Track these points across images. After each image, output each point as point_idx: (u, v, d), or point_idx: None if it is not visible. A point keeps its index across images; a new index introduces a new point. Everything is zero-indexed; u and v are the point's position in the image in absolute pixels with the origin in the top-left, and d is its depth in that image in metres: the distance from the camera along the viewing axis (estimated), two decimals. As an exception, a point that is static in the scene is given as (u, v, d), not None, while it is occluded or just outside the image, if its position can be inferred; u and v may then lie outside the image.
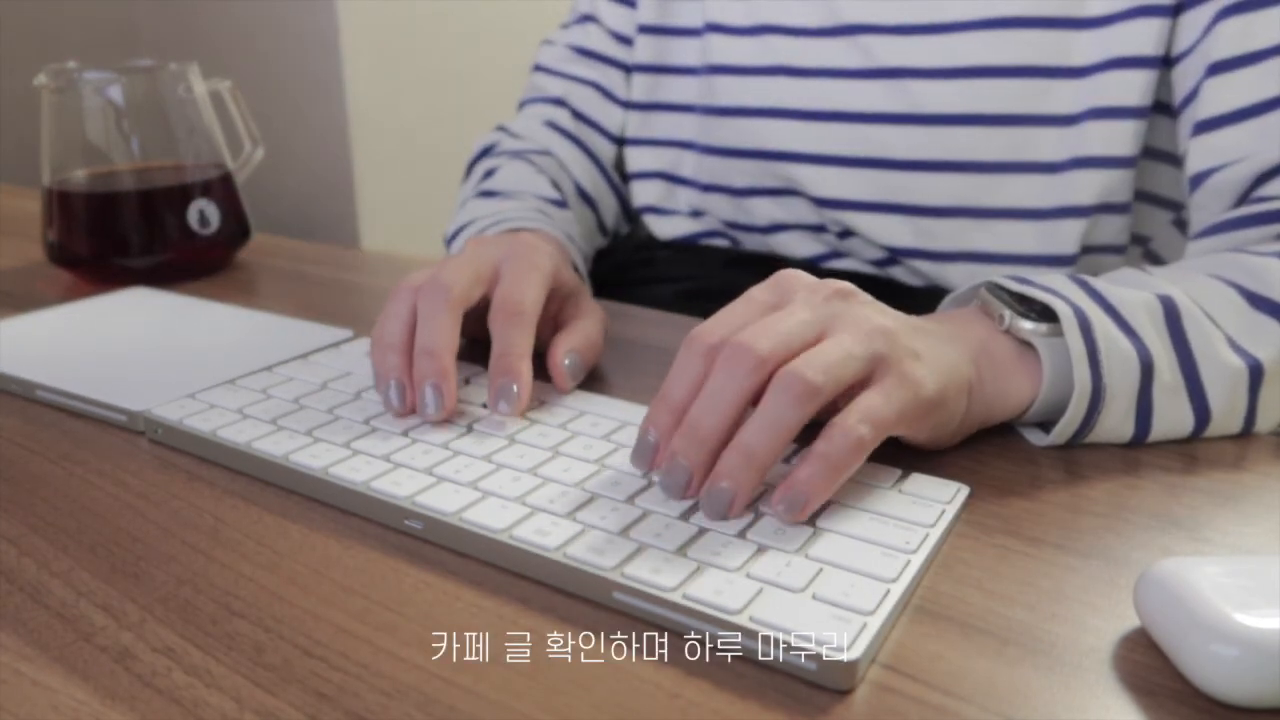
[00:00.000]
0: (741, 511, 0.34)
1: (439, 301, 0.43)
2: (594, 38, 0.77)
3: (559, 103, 0.76)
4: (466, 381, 0.47)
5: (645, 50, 0.75)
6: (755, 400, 0.35)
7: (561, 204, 0.69)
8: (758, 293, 0.39)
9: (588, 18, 0.78)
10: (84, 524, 0.37)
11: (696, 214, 0.76)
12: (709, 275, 0.71)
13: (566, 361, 0.46)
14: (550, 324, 0.49)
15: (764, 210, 0.71)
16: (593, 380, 0.50)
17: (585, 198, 0.75)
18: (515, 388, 0.43)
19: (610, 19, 0.76)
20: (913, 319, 0.39)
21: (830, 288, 0.38)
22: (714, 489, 0.34)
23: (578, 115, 0.76)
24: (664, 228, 0.76)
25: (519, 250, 0.47)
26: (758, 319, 0.37)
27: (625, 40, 0.76)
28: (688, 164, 0.75)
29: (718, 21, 0.71)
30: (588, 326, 0.48)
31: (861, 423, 0.34)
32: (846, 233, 0.68)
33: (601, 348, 0.49)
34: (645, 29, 0.75)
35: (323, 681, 0.28)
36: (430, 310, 0.43)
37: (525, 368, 0.43)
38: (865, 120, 0.65)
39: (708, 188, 0.74)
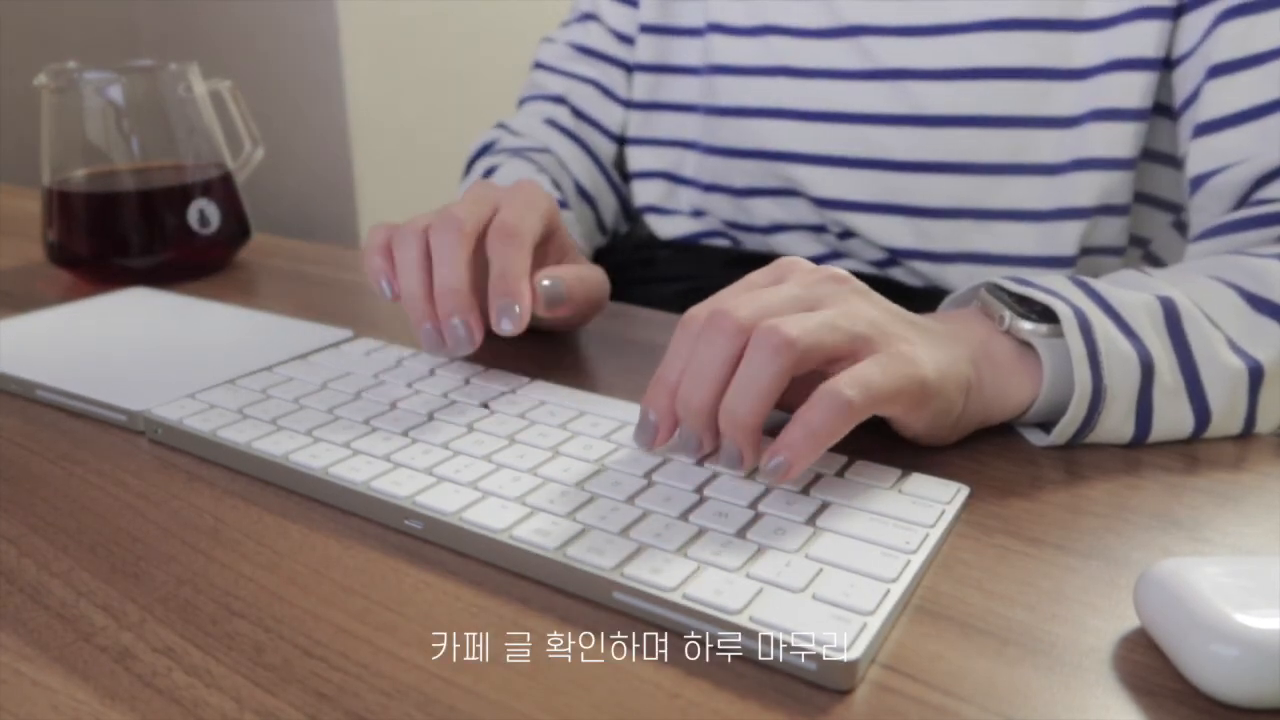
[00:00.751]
0: (755, 461, 0.36)
1: (452, 236, 0.44)
2: (595, 36, 0.77)
3: (559, 100, 0.77)
4: (466, 382, 0.47)
5: (647, 50, 0.75)
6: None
7: (562, 204, 0.69)
8: (756, 276, 0.40)
9: (589, 16, 0.78)
10: (84, 524, 0.37)
11: (698, 214, 0.76)
12: (709, 275, 0.71)
13: (546, 282, 0.46)
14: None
15: (764, 210, 0.71)
16: (593, 380, 0.50)
17: (585, 196, 0.75)
18: (517, 308, 0.44)
19: (611, 18, 0.76)
20: (910, 315, 0.40)
21: (825, 272, 0.39)
22: (722, 449, 0.36)
23: (578, 113, 0.77)
24: (665, 227, 0.77)
25: (517, 190, 0.48)
26: None
27: (626, 39, 0.76)
28: (689, 164, 0.75)
29: (719, 22, 0.71)
30: (584, 270, 0.48)
31: (850, 387, 0.34)
32: (847, 233, 0.68)
33: (592, 294, 0.49)
34: (647, 28, 0.75)
35: (323, 681, 0.28)
36: (444, 244, 0.44)
37: (524, 288, 0.44)
38: (866, 121, 0.65)
39: (709, 187, 0.74)
